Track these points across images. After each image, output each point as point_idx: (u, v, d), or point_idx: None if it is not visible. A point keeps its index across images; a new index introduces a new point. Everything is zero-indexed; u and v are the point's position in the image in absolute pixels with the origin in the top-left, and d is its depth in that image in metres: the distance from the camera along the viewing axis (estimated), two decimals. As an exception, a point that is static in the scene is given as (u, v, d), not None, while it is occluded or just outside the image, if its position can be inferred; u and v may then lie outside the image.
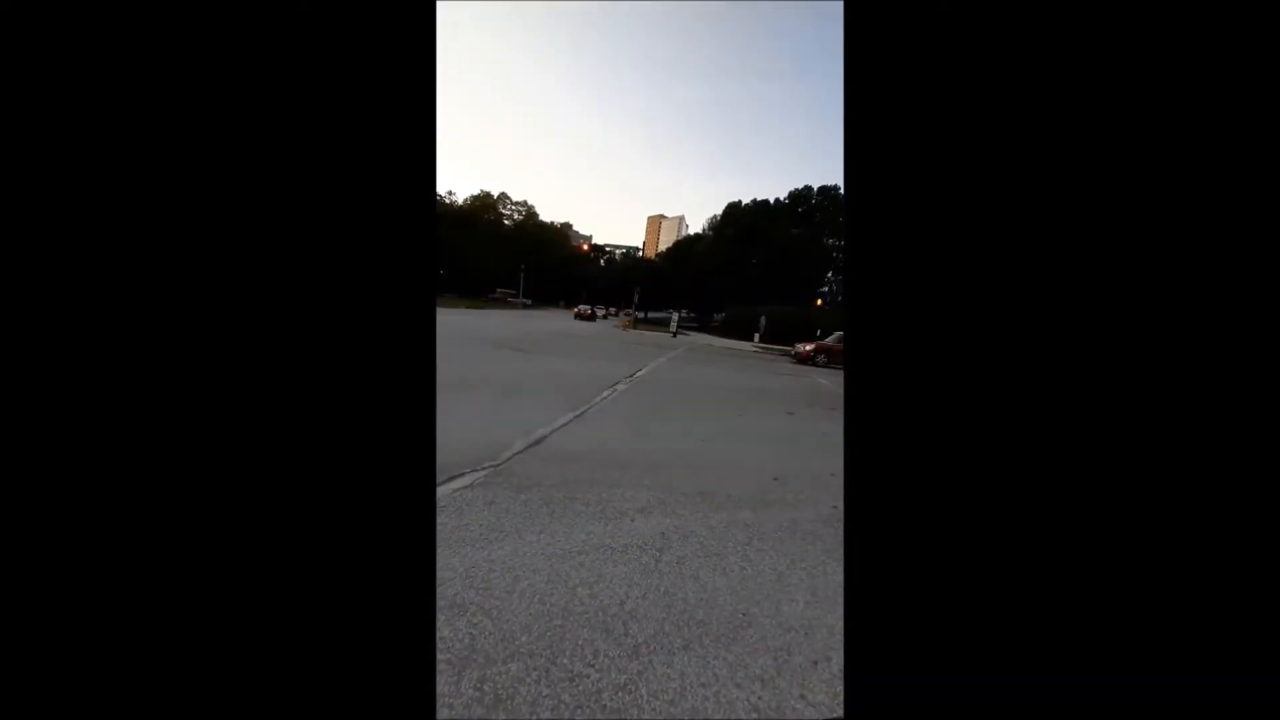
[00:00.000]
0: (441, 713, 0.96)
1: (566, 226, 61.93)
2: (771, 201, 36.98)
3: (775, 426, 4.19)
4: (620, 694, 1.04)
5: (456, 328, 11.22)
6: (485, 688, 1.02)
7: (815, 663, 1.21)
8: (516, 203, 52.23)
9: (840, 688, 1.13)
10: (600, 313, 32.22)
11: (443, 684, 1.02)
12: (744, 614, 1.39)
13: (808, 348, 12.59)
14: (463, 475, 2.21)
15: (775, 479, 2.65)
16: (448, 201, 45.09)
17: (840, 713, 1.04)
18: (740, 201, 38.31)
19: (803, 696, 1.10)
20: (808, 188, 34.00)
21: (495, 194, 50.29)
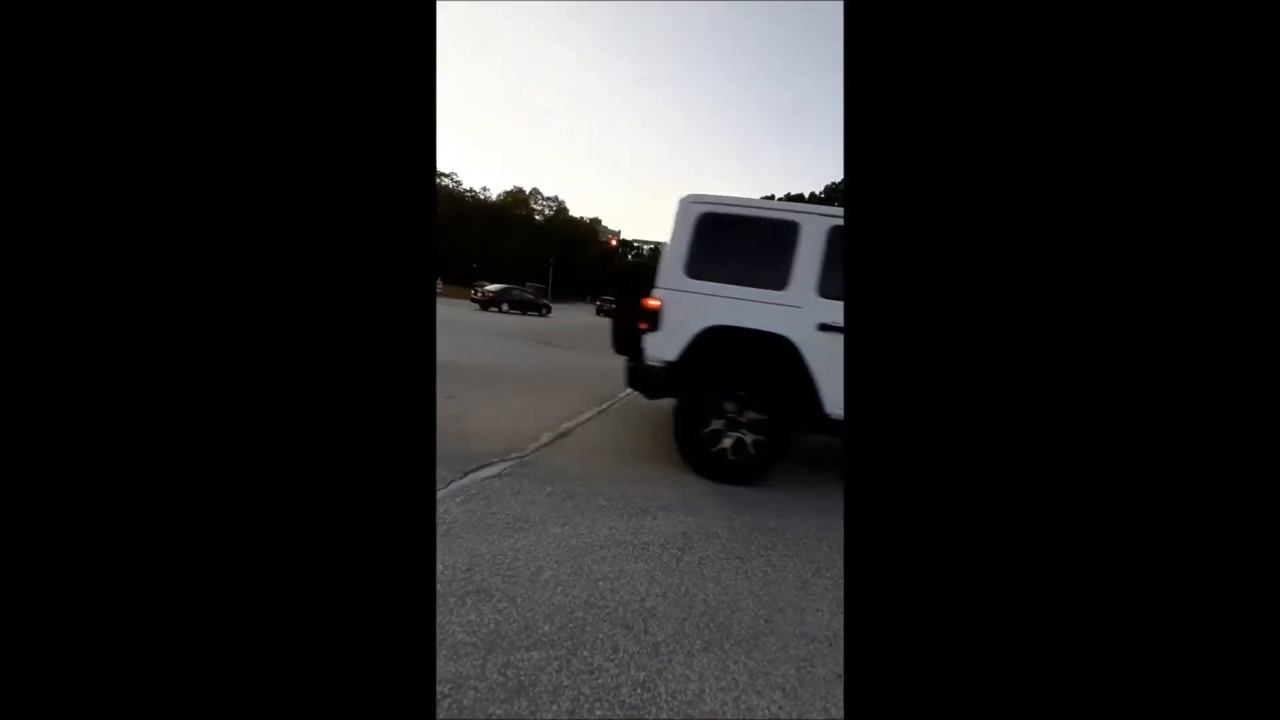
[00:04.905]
0: (468, 696, 1.00)
1: (596, 222, 62.42)
2: (806, 196, 35.79)
3: (803, 429, 4.08)
4: (639, 690, 1.05)
5: (491, 325, 11.50)
6: (509, 673, 1.06)
7: (840, 676, 1.17)
8: (547, 198, 53.15)
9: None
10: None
11: (469, 666, 1.06)
12: (766, 620, 1.37)
13: None
14: (491, 465, 2.28)
15: (802, 483, 2.58)
16: (481, 197, 46.39)
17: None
18: (773, 195, 37.35)
19: (825, 710, 1.07)
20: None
21: (527, 190, 51.35)
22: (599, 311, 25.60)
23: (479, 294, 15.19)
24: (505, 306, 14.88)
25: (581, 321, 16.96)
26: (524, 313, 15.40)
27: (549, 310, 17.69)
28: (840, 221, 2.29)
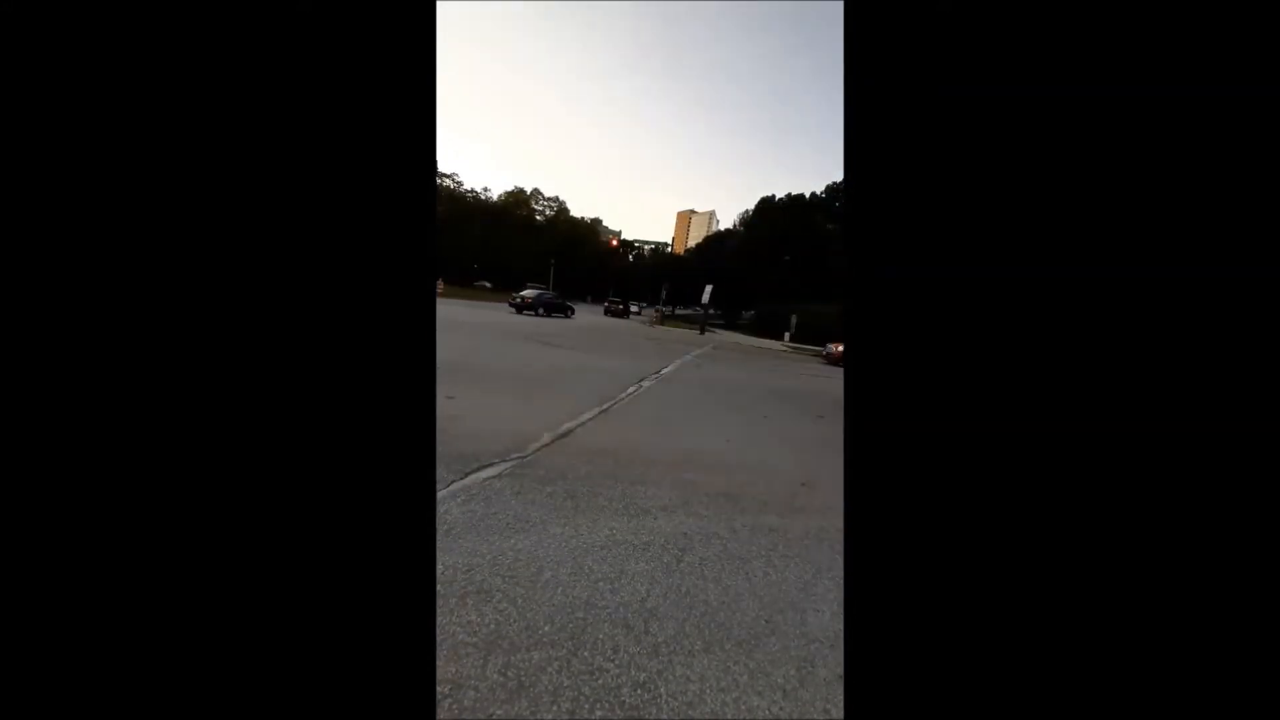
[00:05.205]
0: (468, 696, 1.00)
1: (596, 222, 62.50)
2: (807, 196, 35.84)
3: (804, 430, 4.08)
4: (639, 691, 1.05)
5: (505, 328, 11.50)
6: (509, 673, 1.06)
7: (841, 677, 1.17)
8: (548, 199, 53.15)
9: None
10: (635, 309, 32.31)
11: (469, 666, 1.06)
12: (767, 621, 1.37)
13: (840, 348, 12.20)
14: (492, 465, 2.28)
15: (803, 484, 2.58)
16: (482, 198, 46.43)
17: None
18: (774, 196, 37.41)
19: (826, 711, 1.07)
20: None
21: (528, 190, 51.37)
22: (607, 312, 26.23)
23: (517, 299, 17.26)
24: (541, 310, 16.70)
25: (588, 323, 17.10)
26: (550, 314, 17.14)
27: (573, 312, 19.50)
28: None
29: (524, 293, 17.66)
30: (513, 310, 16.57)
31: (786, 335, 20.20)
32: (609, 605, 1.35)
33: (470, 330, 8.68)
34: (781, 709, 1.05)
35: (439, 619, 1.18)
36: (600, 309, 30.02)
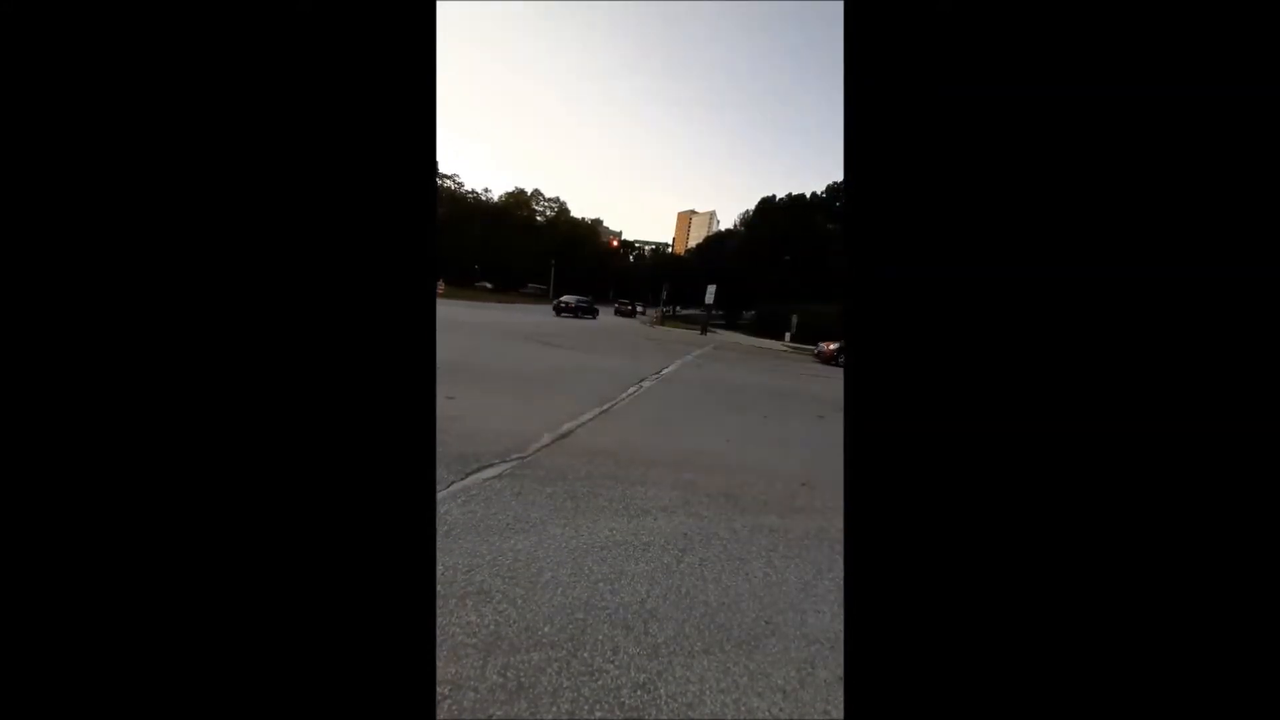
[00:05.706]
0: (468, 698, 1.00)
1: (597, 222, 62.59)
2: (808, 196, 35.89)
3: (804, 430, 4.08)
4: (639, 692, 1.05)
5: (497, 325, 11.51)
6: (509, 674, 1.06)
7: (841, 678, 1.17)
8: (549, 199, 53.23)
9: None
10: (640, 309, 32.92)
11: (469, 667, 1.06)
12: (767, 622, 1.36)
13: (831, 347, 12.20)
14: (492, 466, 2.28)
15: (803, 484, 2.58)
16: (484, 198, 46.46)
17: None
18: (774, 196, 37.46)
19: (826, 713, 1.06)
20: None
21: (528, 191, 51.42)
22: (617, 313, 26.76)
23: (559, 303, 20.25)
24: (580, 313, 19.89)
25: (591, 322, 17.21)
26: (580, 316, 19.57)
27: (597, 314, 21.96)
28: None
29: (563, 298, 21.12)
30: (554, 314, 19.43)
31: (787, 335, 20.23)
32: (609, 606, 1.35)
33: (470, 330, 8.68)
34: (781, 710, 1.05)
35: (439, 620, 1.18)
36: (601, 309, 30.47)
